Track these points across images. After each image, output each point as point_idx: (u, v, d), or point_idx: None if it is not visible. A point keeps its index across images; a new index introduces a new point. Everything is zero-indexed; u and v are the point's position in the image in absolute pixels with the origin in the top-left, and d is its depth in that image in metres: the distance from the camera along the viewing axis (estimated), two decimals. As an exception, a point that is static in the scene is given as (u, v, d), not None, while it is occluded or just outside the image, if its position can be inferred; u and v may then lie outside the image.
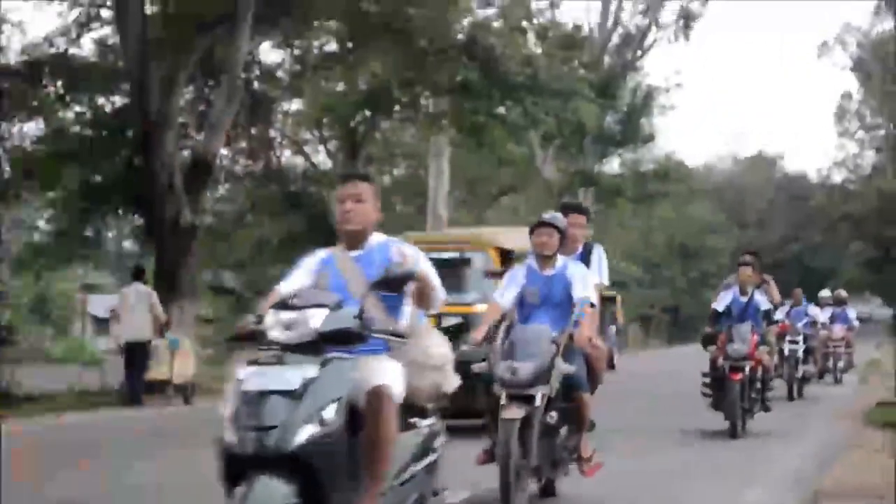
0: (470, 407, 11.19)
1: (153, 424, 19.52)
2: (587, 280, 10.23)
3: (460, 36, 29.63)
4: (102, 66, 30.49)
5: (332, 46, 35.06)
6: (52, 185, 31.44)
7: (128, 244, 62.59)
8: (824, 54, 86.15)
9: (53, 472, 13.17)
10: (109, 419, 20.52)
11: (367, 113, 37.69)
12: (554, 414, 9.65)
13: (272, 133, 40.99)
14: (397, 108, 35.43)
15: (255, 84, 34.98)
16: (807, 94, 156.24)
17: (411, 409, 6.85)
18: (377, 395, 6.27)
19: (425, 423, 7.12)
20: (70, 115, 31.78)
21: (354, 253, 7.13)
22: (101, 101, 31.63)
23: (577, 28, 51.36)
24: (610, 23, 55.54)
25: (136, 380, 22.05)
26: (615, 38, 56.28)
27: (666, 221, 75.61)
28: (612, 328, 44.19)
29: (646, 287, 72.47)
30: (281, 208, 40.37)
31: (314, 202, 40.53)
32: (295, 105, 41.62)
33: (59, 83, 30.53)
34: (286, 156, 44.94)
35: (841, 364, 29.83)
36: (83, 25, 30.54)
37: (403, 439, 6.53)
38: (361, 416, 6.14)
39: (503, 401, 9.45)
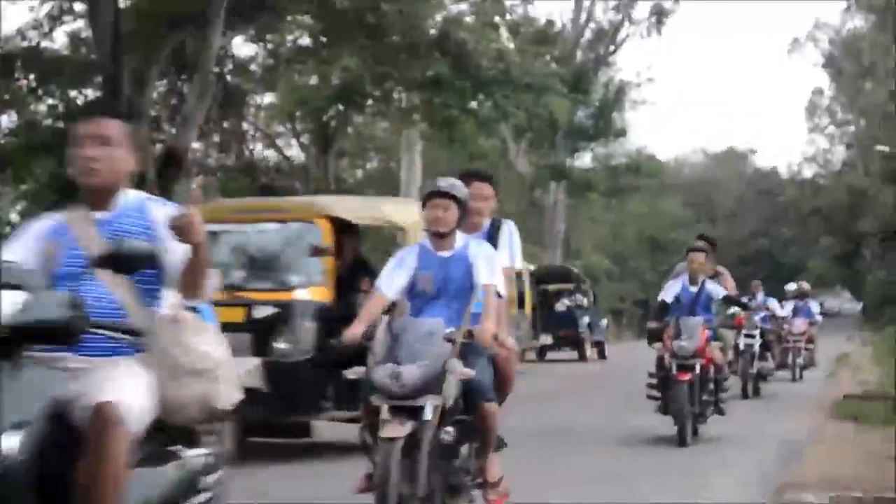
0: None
1: None
2: (494, 263, 8.35)
3: (433, 31, 29.70)
4: (75, 60, 30.49)
5: (305, 41, 35.10)
6: (23, 178, 31.42)
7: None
8: (796, 51, 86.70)
9: None
10: None
11: (340, 107, 37.74)
12: (450, 430, 7.85)
13: (245, 126, 41.05)
14: (370, 102, 35.49)
15: (228, 77, 35.00)
16: (778, 90, 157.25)
17: (173, 431, 5.15)
18: (100, 417, 4.58)
19: (192, 453, 5.24)
20: (42, 107, 31.77)
21: (100, 215, 5.39)
22: (73, 94, 31.63)
23: (550, 23, 51.52)
24: (583, 18, 55.73)
25: None
26: (588, 34, 56.49)
27: (636, 215, 75.87)
28: (604, 321, 44.48)
29: (615, 280, 72.66)
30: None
31: (287, 195, 40.56)
32: (268, 98, 41.70)
33: (32, 76, 30.54)
34: (259, 149, 45.02)
35: (801, 360, 28.07)
36: (55, 19, 30.52)
37: (148, 476, 4.86)
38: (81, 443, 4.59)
39: (384, 414, 7.73)
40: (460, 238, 8.40)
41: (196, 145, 32.76)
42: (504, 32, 36.04)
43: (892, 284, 68.60)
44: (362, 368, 8.02)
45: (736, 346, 21.73)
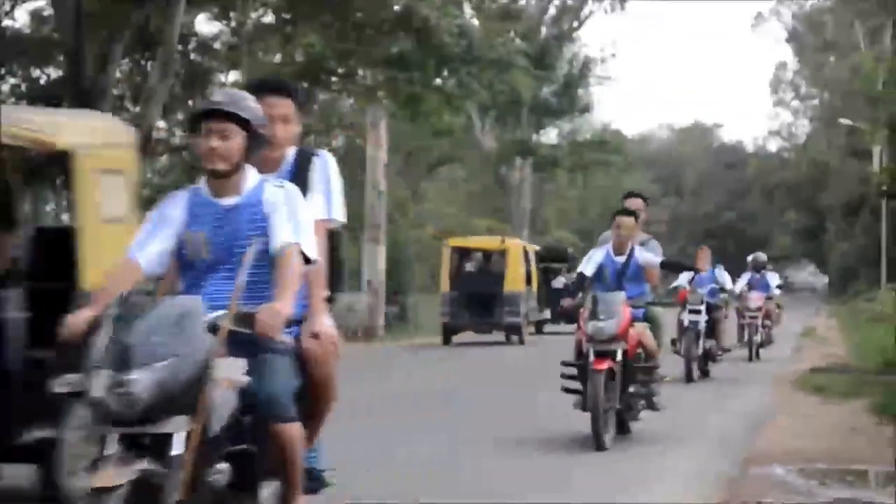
0: None
1: None
2: (299, 213, 5.75)
3: (396, 7, 29.61)
4: (37, 39, 30.28)
5: (269, 18, 34.97)
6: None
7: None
8: (760, 25, 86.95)
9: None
10: None
11: (304, 84, 37.61)
12: (222, 468, 5.32)
13: (209, 104, 40.87)
14: (334, 79, 35.37)
15: (192, 56, 34.85)
16: (743, 64, 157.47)
17: None
18: None
19: None
20: (5, 87, 31.56)
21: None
22: (35, 73, 31.42)
23: (514, -1, 51.52)
24: (546, -7, 55.65)
25: None
26: (552, 9, 56.43)
27: (602, 190, 76.05)
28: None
29: (581, 255, 72.83)
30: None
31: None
32: (232, 77, 41.50)
33: (-7, 56, 30.36)
34: (223, 128, 44.81)
35: (758, 338, 25.48)
36: (17, -3, 30.35)
37: None
38: None
39: (107, 449, 5.01)
40: (252, 178, 5.88)
41: (161, 124, 32.58)
42: (468, 9, 35.98)
43: (857, 257, 68.96)
44: (76, 377, 5.19)
45: (680, 324, 20.41)
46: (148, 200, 38.68)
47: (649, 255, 12.73)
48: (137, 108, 29.17)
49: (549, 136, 59.98)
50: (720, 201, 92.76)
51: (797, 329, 35.54)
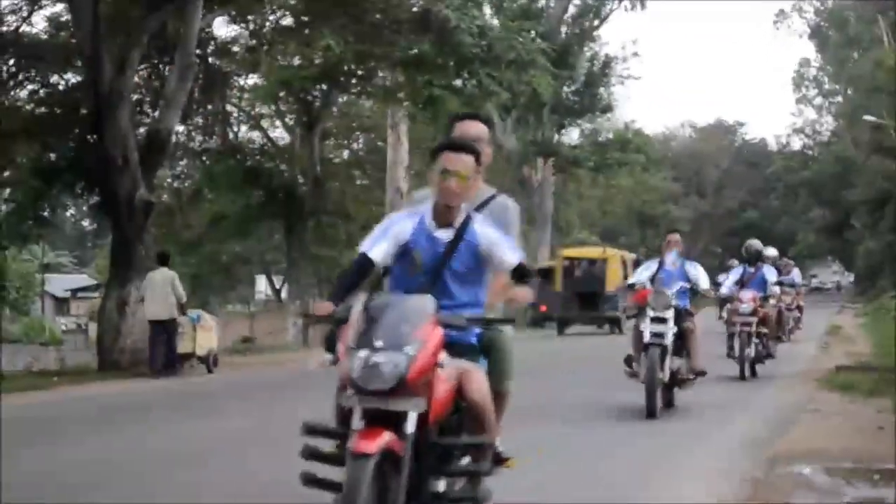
0: None
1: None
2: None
3: (415, 8, 29.50)
4: (55, 44, 30.26)
5: (287, 20, 34.90)
6: (4, 165, 31.23)
7: (87, 223, 62.35)
8: (782, 21, 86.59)
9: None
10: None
11: (324, 87, 37.57)
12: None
13: (229, 108, 40.86)
14: (353, 81, 35.31)
15: (210, 59, 34.82)
16: (765, 61, 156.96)
17: None
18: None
19: None
20: (23, 93, 31.56)
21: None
22: (54, 78, 31.40)
23: (533, -2, 51.45)
24: (566, -8, 55.49)
25: (168, 353, 23.99)
26: (572, 9, 56.26)
27: (624, 190, 75.87)
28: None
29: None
30: (238, 184, 40.22)
31: (271, 177, 40.45)
32: (251, 80, 41.50)
33: (11, 61, 30.32)
34: (243, 131, 44.85)
35: (750, 351, 19.96)
36: (35, 2, 30.30)
37: None
38: None
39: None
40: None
41: (179, 128, 32.56)
42: (487, 9, 35.85)
43: (882, 254, 68.58)
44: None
45: (638, 336, 15.06)
46: (167, 206, 38.72)
47: (492, 233, 6.90)
48: (156, 113, 29.10)
49: (571, 135, 59.84)
50: (743, 199, 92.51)
51: (822, 327, 35.28)
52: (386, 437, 5.83)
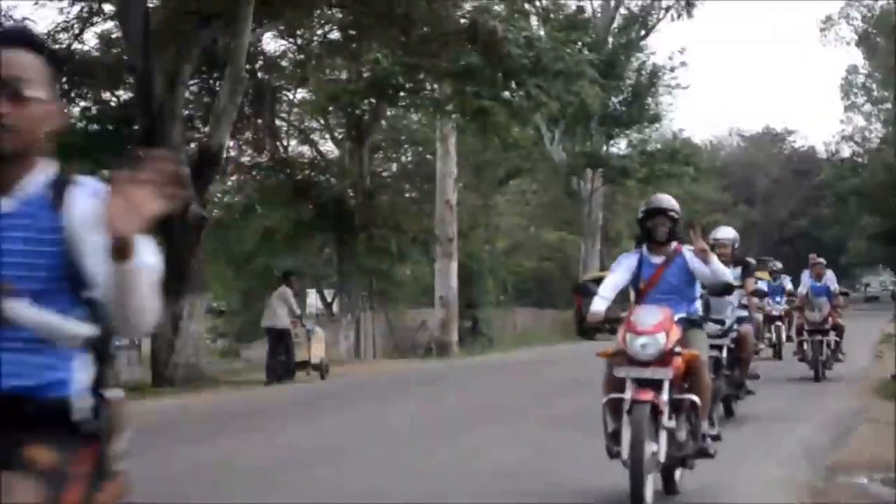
0: None
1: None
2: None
3: (462, 20, 29.56)
4: (106, 61, 30.48)
5: (335, 35, 35.05)
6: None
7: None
8: (829, 28, 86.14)
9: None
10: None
11: (372, 100, 37.68)
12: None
13: (278, 123, 41.03)
14: (402, 94, 35.39)
15: (260, 74, 35.00)
16: (813, 68, 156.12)
17: None
18: None
19: None
20: (75, 110, 31.79)
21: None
22: (105, 95, 31.64)
23: (580, 9, 51.37)
24: (612, 3, 55.44)
25: (285, 361, 26.51)
26: (618, 19, 56.20)
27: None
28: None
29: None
30: (289, 198, 40.35)
31: (322, 191, 40.57)
32: (300, 94, 41.67)
33: (63, 79, 30.56)
34: (293, 145, 45.02)
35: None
36: (86, 20, 30.54)
37: None
38: None
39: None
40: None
41: (230, 143, 32.72)
42: (534, 20, 35.87)
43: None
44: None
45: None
46: (219, 221, 38.80)
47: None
48: (207, 128, 29.25)
49: (620, 146, 59.70)
50: (793, 208, 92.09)
51: (875, 335, 35.02)
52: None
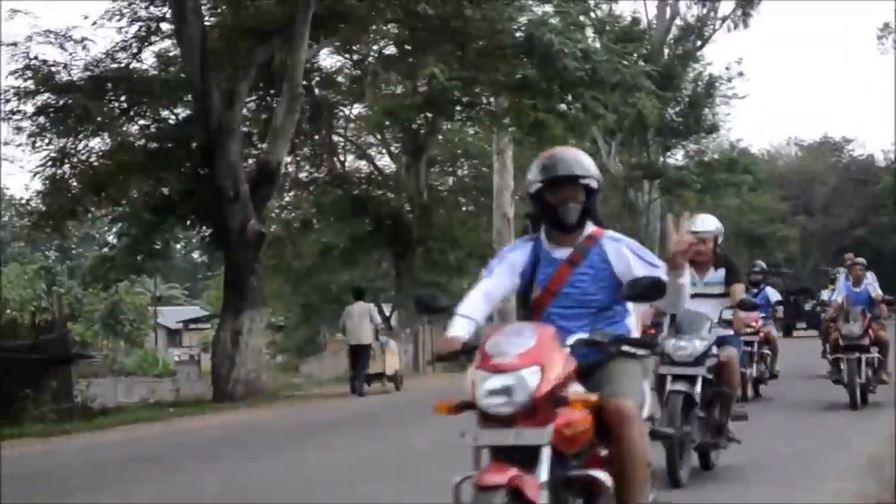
0: None
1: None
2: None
3: (518, 34, 29.56)
4: (164, 79, 30.67)
5: (391, 50, 35.13)
6: (119, 199, 31.67)
7: (196, 255, 63.10)
8: (886, 35, 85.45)
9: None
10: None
11: (428, 115, 37.73)
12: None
13: (335, 138, 41.15)
14: (458, 108, 35.41)
15: (316, 90, 35.11)
16: (870, 75, 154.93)
17: None
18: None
19: None
20: (134, 128, 32.00)
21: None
22: (164, 113, 31.83)
23: (636, 21, 51.26)
24: (668, 14, 55.22)
25: (360, 375, 27.17)
26: (674, 30, 55.98)
27: (731, 210, 75.21)
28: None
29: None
30: (346, 213, 40.46)
31: (379, 205, 40.66)
32: (356, 109, 41.78)
33: (123, 97, 30.80)
34: (349, 160, 45.14)
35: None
36: (143, 39, 30.74)
37: None
38: None
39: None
40: None
41: (287, 159, 32.84)
42: (590, 32, 35.81)
43: None
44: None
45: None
46: (277, 236, 38.96)
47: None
48: (265, 145, 29.37)
49: (676, 157, 59.41)
50: (852, 217, 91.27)
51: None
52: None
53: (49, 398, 22.10)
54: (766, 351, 20.37)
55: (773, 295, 20.65)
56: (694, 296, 9.15)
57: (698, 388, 10.74)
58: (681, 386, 10.59)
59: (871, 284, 19.04)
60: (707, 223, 11.88)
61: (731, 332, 11.64)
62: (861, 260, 19.68)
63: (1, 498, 11.10)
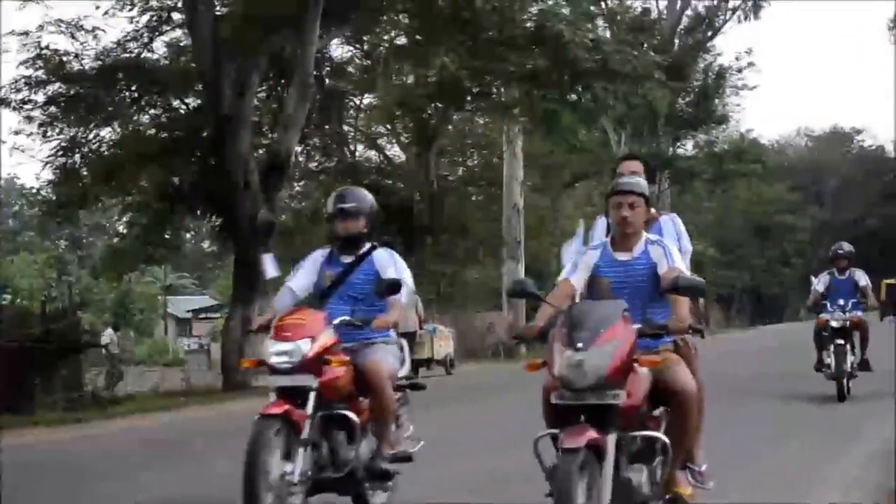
0: None
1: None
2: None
3: (529, 24, 29.56)
4: (175, 69, 30.71)
5: (402, 40, 35.12)
6: (129, 189, 31.72)
7: (206, 244, 63.12)
8: (894, 28, 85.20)
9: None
10: None
11: (439, 105, 37.73)
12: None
13: (345, 128, 41.17)
14: (468, 98, 35.41)
15: (327, 80, 35.12)
16: (880, 66, 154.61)
17: None
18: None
19: None
20: (145, 118, 32.03)
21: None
22: (175, 102, 31.87)
23: (646, 11, 51.20)
24: (678, 4, 55.14)
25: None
26: (684, 21, 55.89)
27: (740, 201, 75.17)
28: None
29: (723, 268, 72.05)
30: (356, 202, 40.46)
31: (389, 195, 40.68)
32: (367, 99, 41.78)
33: (134, 87, 30.82)
34: (360, 150, 45.16)
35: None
36: (155, 29, 30.78)
37: None
38: None
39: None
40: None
41: (298, 149, 32.86)
42: (600, 22, 35.79)
43: None
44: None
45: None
46: (285, 226, 38.97)
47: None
48: (275, 134, 29.38)
49: (686, 147, 59.38)
50: (863, 208, 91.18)
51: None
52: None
53: (60, 387, 22.15)
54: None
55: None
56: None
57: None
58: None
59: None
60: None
61: None
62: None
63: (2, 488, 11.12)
